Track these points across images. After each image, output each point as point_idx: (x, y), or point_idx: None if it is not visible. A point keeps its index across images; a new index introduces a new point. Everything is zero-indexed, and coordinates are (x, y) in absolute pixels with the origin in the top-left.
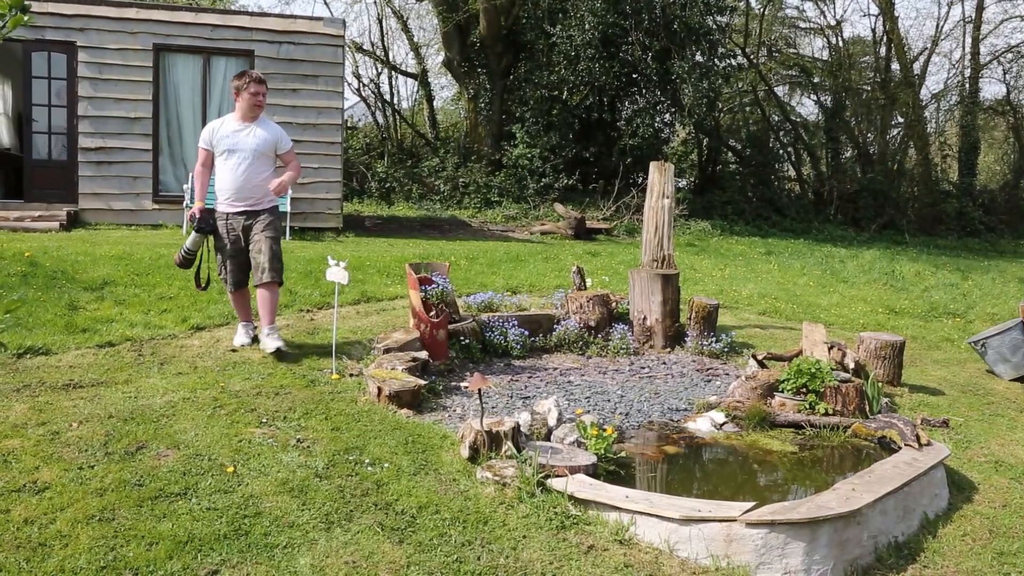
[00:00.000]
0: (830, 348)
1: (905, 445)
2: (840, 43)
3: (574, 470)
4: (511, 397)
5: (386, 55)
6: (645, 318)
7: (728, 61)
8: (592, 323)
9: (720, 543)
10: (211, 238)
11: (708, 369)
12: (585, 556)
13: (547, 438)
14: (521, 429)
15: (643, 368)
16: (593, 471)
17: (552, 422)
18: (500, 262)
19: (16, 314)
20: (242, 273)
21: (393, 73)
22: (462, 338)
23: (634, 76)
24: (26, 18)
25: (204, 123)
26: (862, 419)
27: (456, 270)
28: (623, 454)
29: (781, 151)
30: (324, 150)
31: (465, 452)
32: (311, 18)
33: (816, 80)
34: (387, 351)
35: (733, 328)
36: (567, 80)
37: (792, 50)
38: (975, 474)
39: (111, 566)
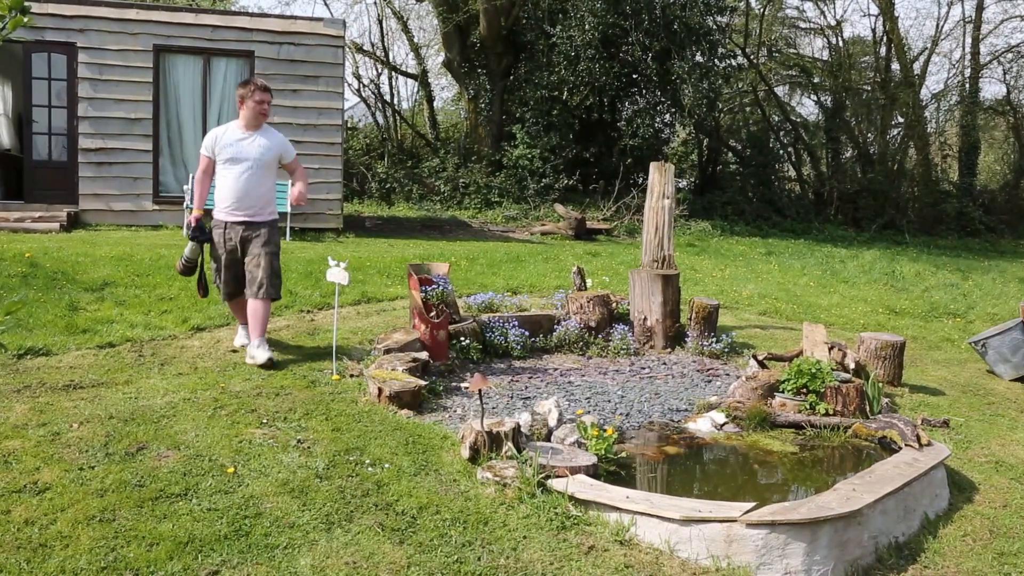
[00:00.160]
0: (830, 348)
1: (905, 445)
2: (840, 43)
3: (575, 471)
4: (511, 398)
5: (386, 56)
6: (645, 318)
7: (728, 61)
8: (592, 324)
9: (720, 544)
10: (208, 246)
11: (708, 369)
12: (585, 556)
13: (547, 439)
14: (521, 430)
15: (643, 368)
16: (594, 472)
17: (552, 423)
18: (500, 263)
19: (16, 315)
20: (236, 284)
21: (393, 74)
22: (462, 339)
23: (634, 76)
24: (26, 19)
25: (204, 124)
26: (862, 419)
27: (456, 271)
28: (623, 455)
29: (781, 151)
30: (324, 151)
31: (465, 453)
32: (311, 19)
33: (816, 80)
34: (387, 352)
35: (733, 328)
36: (567, 80)
37: (792, 50)
38: (976, 474)
39: (111, 567)
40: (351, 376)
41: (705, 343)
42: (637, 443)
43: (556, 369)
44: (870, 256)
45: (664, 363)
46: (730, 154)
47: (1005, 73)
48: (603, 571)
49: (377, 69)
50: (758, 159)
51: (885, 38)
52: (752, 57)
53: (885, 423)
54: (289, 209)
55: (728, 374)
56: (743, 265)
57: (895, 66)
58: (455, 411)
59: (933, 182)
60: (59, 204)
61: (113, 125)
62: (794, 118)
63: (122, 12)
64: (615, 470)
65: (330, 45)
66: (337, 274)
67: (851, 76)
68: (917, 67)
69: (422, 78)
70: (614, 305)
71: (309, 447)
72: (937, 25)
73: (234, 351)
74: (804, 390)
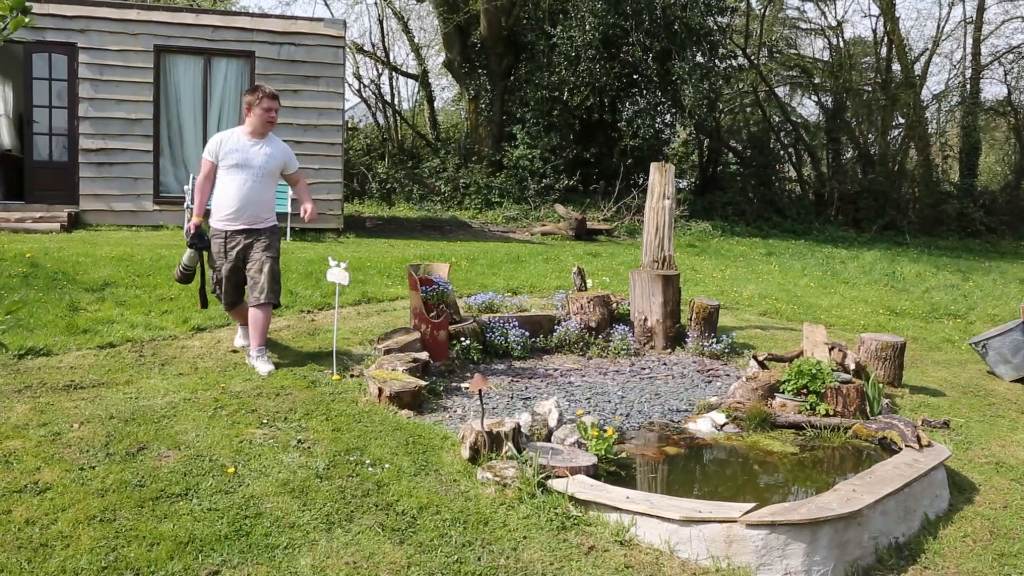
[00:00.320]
0: (831, 349)
1: (906, 446)
2: (841, 44)
3: (575, 471)
4: (512, 398)
5: (387, 56)
6: (646, 319)
7: (729, 62)
8: (593, 324)
9: (721, 544)
10: (206, 253)
11: (709, 370)
12: (586, 557)
13: (548, 439)
14: (522, 430)
15: (644, 369)
16: (594, 472)
17: (553, 423)
18: (501, 263)
19: (17, 315)
20: (237, 293)
21: (394, 74)
22: (463, 339)
23: (635, 77)
24: (27, 19)
25: (205, 124)
26: (863, 420)
27: (457, 271)
28: (624, 455)
29: (782, 152)
30: (325, 151)
31: (466, 453)
32: (312, 19)
33: (817, 81)
34: (388, 352)
35: (734, 329)
36: (568, 81)
37: (793, 51)
38: (976, 475)
39: (112, 566)
40: (351, 376)
41: (705, 344)
42: (637, 443)
43: (556, 369)
44: (871, 257)
45: (664, 363)
46: (731, 155)
47: (1006, 74)
48: (603, 571)
49: (378, 69)
50: (759, 160)
51: (886, 39)
52: (753, 58)
53: (885, 424)
54: (289, 209)
55: (728, 375)
56: (743, 266)
57: (896, 67)
58: (455, 411)
59: (934, 183)
60: (60, 204)
61: (114, 125)
62: (795, 119)
63: (123, 12)
64: (615, 470)
65: (331, 45)
66: (337, 274)
67: (852, 77)
68: (918, 68)
69: (422, 78)
70: (614, 305)
71: (309, 447)
72: (938, 26)
73: (235, 351)
74: (804, 391)
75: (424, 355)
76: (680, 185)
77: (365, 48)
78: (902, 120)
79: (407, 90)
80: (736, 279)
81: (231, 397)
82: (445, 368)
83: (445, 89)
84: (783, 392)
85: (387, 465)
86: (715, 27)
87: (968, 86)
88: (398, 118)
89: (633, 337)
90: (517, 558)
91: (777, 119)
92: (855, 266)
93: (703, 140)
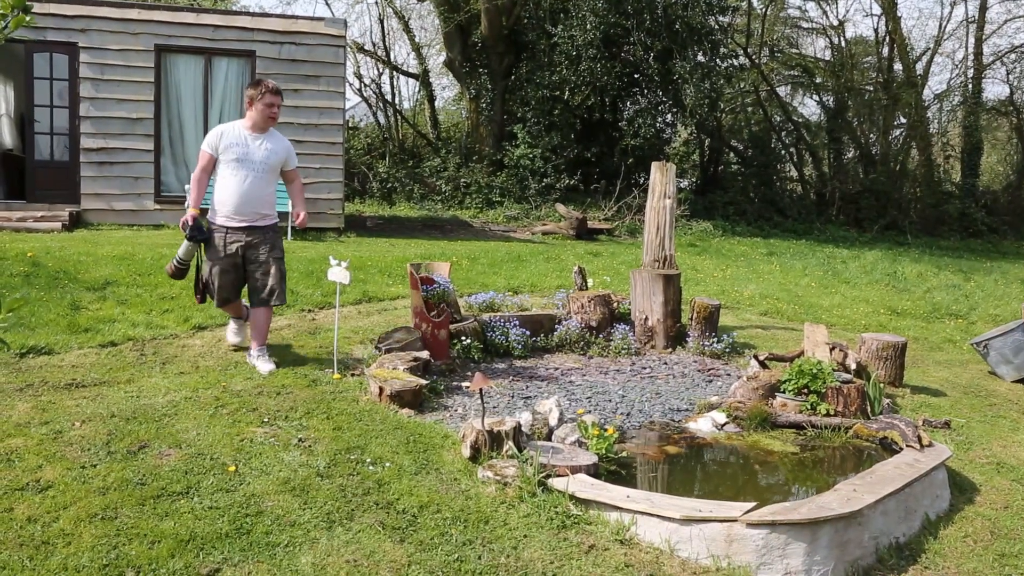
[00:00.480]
0: (832, 349)
1: (907, 446)
2: (842, 43)
3: (575, 470)
4: (512, 397)
5: (387, 55)
6: (647, 318)
7: (730, 61)
8: (593, 323)
9: (721, 543)
10: (203, 247)
11: (709, 369)
12: (586, 556)
13: (548, 438)
14: (522, 429)
15: (644, 368)
16: (594, 471)
17: (553, 422)
18: (502, 262)
19: (19, 313)
20: (233, 290)
21: (394, 73)
22: (463, 338)
23: (636, 76)
24: (28, 18)
25: (206, 123)
26: (864, 420)
27: (458, 270)
28: (624, 454)
29: (783, 151)
30: (326, 150)
31: (466, 452)
32: (312, 18)
33: (818, 80)
34: (388, 351)
35: (735, 328)
36: (569, 80)
37: (794, 50)
38: (977, 475)
39: (113, 564)
40: (352, 375)
41: (706, 343)
42: (638, 443)
43: (557, 368)
44: (872, 257)
45: (665, 363)
46: (732, 154)
47: (1008, 73)
48: (603, 570)
49: (378, 69)
50: (760, 159)
51: (888, 38)
52: (754, 57)
53: (886, 424)
54: (291, 208)
55: (729, 374)
56: (744, 265)
57: (897, 66)
58: (456, 410)
59: (935, 183)
60: (61, 204)
61: (115, 125)
62: (796, 118)
63: (123, 12)
64: (616, 469)
65: (331, 45)
66: (338, 273)
67: (853, 76)
68: (920, 67)
69: (423, 78)
70: (615, 305)
71: (310, 446)
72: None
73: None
74: (805, 390)
75: (425, 354)
76: (681, 185)
77: (366, 47)
78: (904, 120)
79: (408, 89)
80: (737, 279)
81: (232, 396)
82: (446, 367)
83: (446, 88)
84: (784, 392)
85: (388, 464)
86: (716, 26)
87: (970, 86)
88: (399, 117)
89: (634, 336)
90: (518, 557)
91: (778, 119)
92: (856, 266)
93: (704, 139)
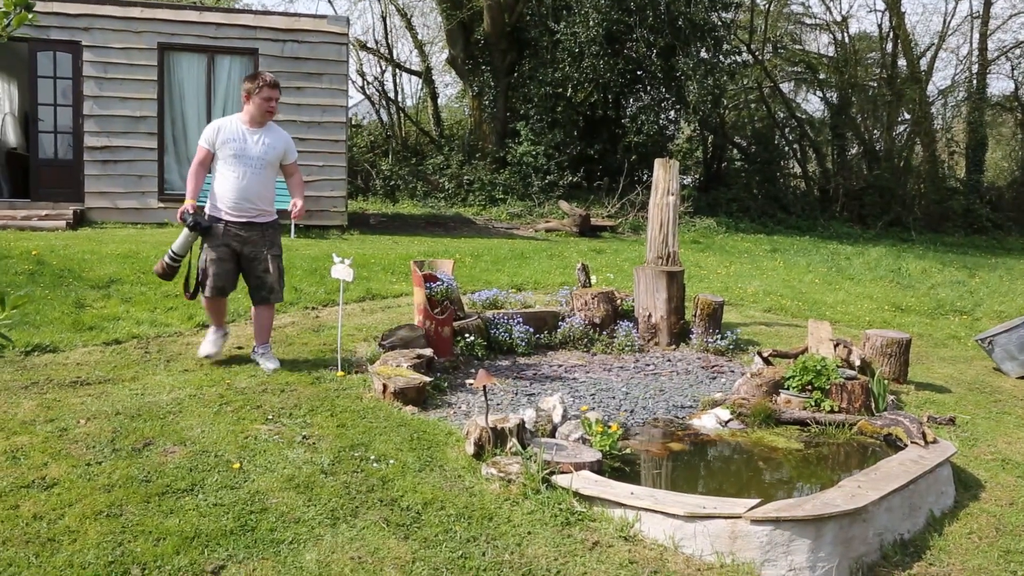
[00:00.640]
0: (836, 345)
1: (911, 443)
2: (846, 39)
3: (579, 467)
4: (516, 394)
5: (390, 53)
6: (650, 315)
7: (733, 58)
8: (597, 320)
9: (725, 540)
10: (198, 240)
11: (713, 366)
12: (590, 552)
13: (552, 435)
14: (526, 426)
15: (648, 365)
16: (598, 468)
17: (557, 419)
18: (505, 259)
19: (23, 311)
20: (227, 281)
21: (397, 71)
22: (467, 335)
23: (639, 73)
24: (30, 16)
25: (209, 121)
26: (868, 416)
27: (461, 267)
28: (628, 451)
29: (787, 148)
30: (329, 148)
31: (470, 449)
32: (315, 16)
33: (822, 76)
34: (392, 348)
35: (738, 325)
36: (571, 77)
37: (798, 46)
38: (982, 472)
39: (119, 561)
40: (356, 372)
41: (710, 340)
42: (642, 439)
43: (560, 366)
44: (876, 253)
45: (669, 360)
46: (735, 151)
47: (1013, 69)
48: (607, 567)
49: (381, 66)
50: (763, 156)
51: (891, 34)
52: (757, 53)
53: (890, 420)
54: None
55: (733, 371)
56: (748, 262)
57: (902, 62)
58: (460, 407)
59: (940, 179)
60: (65, 202)
61: (118, 123)
62: (799, 115)
63: (126, 10)
64: (619, 466)
65: (334, 42)
66: (342, 271)
67: (857, 72)
68: (924, 63)
69: (426, 75)
70: (619, 302)
71: (314, 443)
72: (944, 20)
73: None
74: (809, 387)
75: (428, 351)
76: (684, 181)
77: (368, 45)
78: (908, 116)
79: (411, 87)
80: (741, 275)
81: (236, 393)
82: (449, 364)
83: (448, 86)
84: (788, 388)
85: (392, 461)
86: (719, 23)
87: (975, 81)
88: (402, 115)
89: (637, 333)
90: (521, 553)
91: (782, 115)
92: (860, 262)
93: (707, 136)
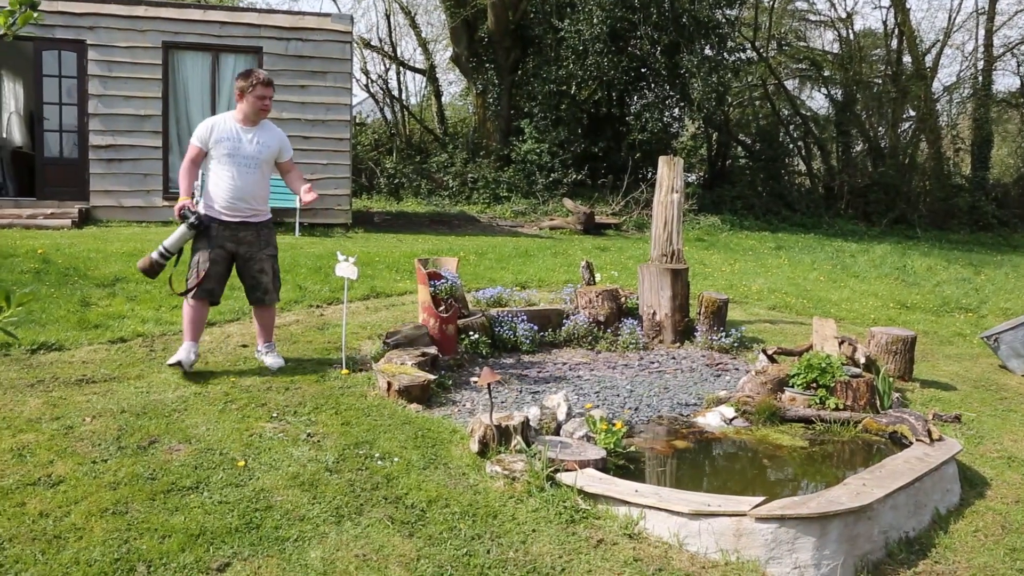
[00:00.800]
0: (841, 343)
1: (916, 440)
2: (851, 36)
3: (583, 464)
4: (520, 392)
5: (394, 51)
6: (654, 313)
7: (737, 55)
8: (601, 318)
9: (730, 537)
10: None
11: (718, 364)
12: (594, 550)
13: (556, 433)
14: (530, 424)
15: (652, 363)
16: (602, 465)
17: (561, 417)
18: (509, 257)
19: (29, 309)
20: (218, 284)
21: (401, 69)
22: (471, 333)
23: (643, 70)
24: (35, 14)
25: None
26: (873, 414)
27: (465, 265)
28: (632, 449)
29: (791, 145)
30: (333, 146)
31: (474, 446)
32: (319, 14)
33: (827, 73)
34: (396, 346)
35: (743, 323)
36: (575, 75)
37: (802, 43)
38: (987, 470)
39: (124, 558)
40: (360, 370)
41: (714, 337)
42: (646, 437)
43: (565, 363)
44: (881, 250)
45: (673, 357)
46: (739, 148)
47: (1019, 65)
48: (612, 564)
49: (385, 64)
50: (768, 153)
51: (896, 30)
52: (762, 50)
53: (896, 418)
54: (299, 204)
55: (737, 368)
56: (752, 259)
57: (907, 59)
58: (464, 405)
59: (945, 176)
60: (70, 201)
61: (123, 122)
62: (804, 112)
63: (131, 9)
64: (624, 464)
65: (338, 41)
66: (346, 269)
67: (862, 69)
68: (929, 59)
69: (430, 73)
70: (623, 299)
71: (319, 441)
72: (950, 17)
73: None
74: (814, 385)
75: (433, 349)
76: (689, 179)
77: (372, 43)
78: (913, 113)
79: (414, 85)
80: (745, 273)
81: (241, 391)
82: (454, 362)
83: (452, 84)
84: (792, 386)
85: (396, 459)
86: (724, 20)
87: (980, 78)
88: (406, 113)
89: (642, 331)
90: (526, 551)
91: (786, 112)
92: (865, 260)
93: (712, 134)
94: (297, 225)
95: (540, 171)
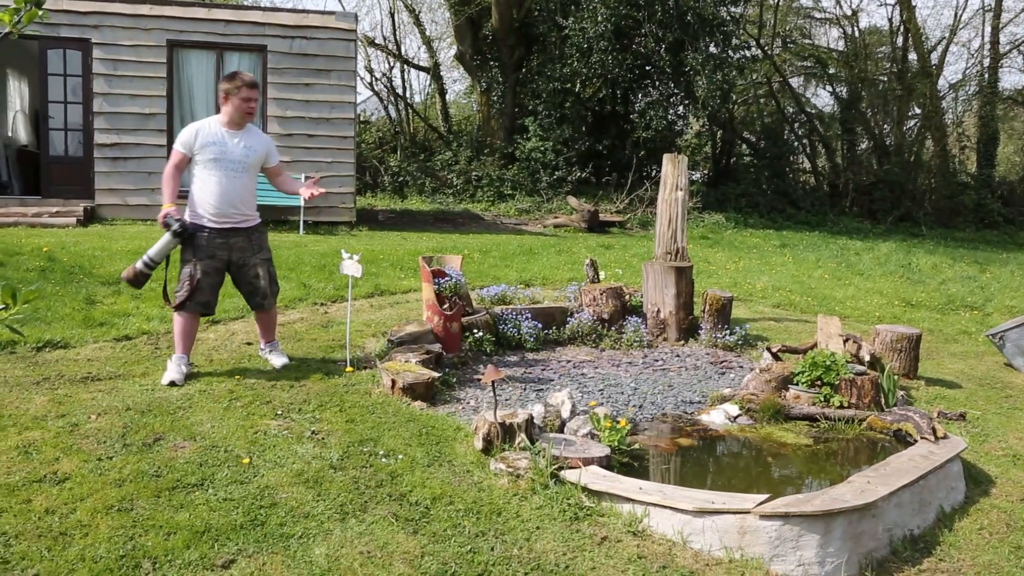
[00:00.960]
0: (845, 341)
1: (921, 438)
2: (856, 33)
3: (587, 462)
4: (524, 389)
5: (398, 49)
6: (659, 311)
7: (742, 52)
8: (605, 316)
9: (734, 535)
10: (181, 246)
11: (722, 362)
12: (598, 547)
13: (560, 430)
14: (535, 421)
15: (657, 361)
16: (607, 463)
17: (566, 414)
18: (513, 255)
19: (34, 306)
20: (212, 296)
21: (405, 67)
22: (475, 331)
23: (647, 68)
24: (41, 13)
25: None
26: (877, 412)
27: (469, 263)
28: (636, 446)
29: (796, 143)
30: (337, 144)
31: (479, 444)
32: (323, 13)
33: (832, 71)
34: (401, 344)
35: (747, 321)
36: (580, 73)
37: (807, 41)
38: (992, 468)
39: (130, 555)
40: (364, 368)
41: (719, 335)
42: (650, 435)
43: (569, 361)
44: (886, 248)
45: (677, 355)
46: (744, 146)
47: None
48: (616, 562)
49: (389, 63)
50: (772, 151)
51: (902, 27)
52: (767, 48)
53: (900, 416)
54: (303, 202)
55: (742, 366)
56: (757, 257)
57: (912, 56)
58: (468, 403)
59: (951, 174)
60: (75, 199)
61: (128, 120)
62: (809, 109)
63: (135, 7)
64: (628, 461)
65: (342, 39)
66: (350, 267)
67: (867, 66)
68: (935, 57)
69: (434, 71)
70: (627, 297)
71: (323, 438)
72: (955, 13)
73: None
74: (818, 382)
75: (437, 347)
76: (693, 177)
77: (376, 41)
78: (918, 110)
79: (419, 83)
80: (749, 271)
81: (245, 389)
82: (458, 360)
83: (457, 82)
84: (797, 384)
85: (400, 456)
86: (728, 17)
87: (986, 75)
88: (410, 111)
89: (646, 329)
90: (530, 548)
91: (791, 110)
92: (870, 258)
93: (716, 131)
94: (301, 223)
95: (544, 169)
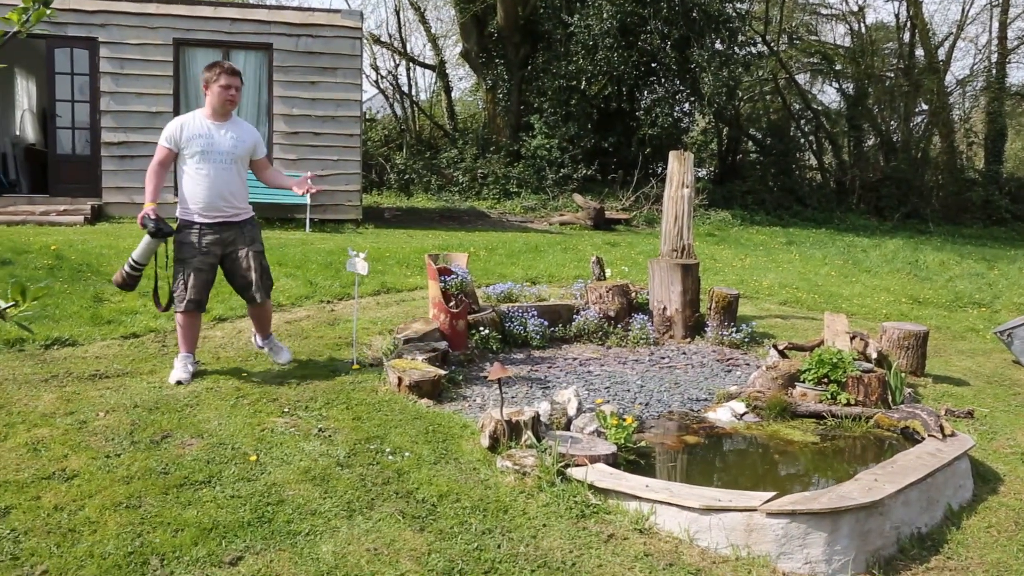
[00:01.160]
0: (852, 338)
1: (928, 436)
2: (863, 29)
3: (594, 459)
4: (531, 387)
5: (404, 47)
6: (665, 308)
7: (748, 49)
8: (612, 313)
9: (740, 533)
10: (169, 244)
11: (728, 359)
12: (605, 545)
13: (567, 428)
14: (541, 419)
15: (663, 358)
16: (613, 460)
17: (572, 412)
18: (519, 253)
19: (43, 304)
20: (204, 293)
21: (411, 65)
22: (482, 328)
23: (653, 65)
24: (48, 12)
25: None
26: (885, 409)
27: (475, 261)
28: (643, 444)
29: (802, 140)
30: (343, 142)
31: (485, 441)
32: (329, 11)
33: (838, 67)
34: (407, 341)
35: (754, 318)
36: (585, 70)
37: (813, 37)
38: (1001, 465)
39: (138, 551)
40: (371, 365)
41: (725, 333)
42: (657, 432)
43: (575, 359)
44: (893, 245)
45: (684, 353)
46: (750, 143)
47: None
48: (622, 559)
49: (395, 60)
50: (779, 148)
51: (909, 23)
52: (773, 44)
53: (908, 413)
54: (309, 200)
55: (748, 364)
56: (763, 255)
57: (919, 52)
58: (475, 400)
59: (958, 170)
60: (83, 197)
61: (135, 119)
62: (815, 106)
63: (142, 6)
64: (634, 459)
65: (348, 37)
66: (357, 265)
67: (874, 63)
68: (942, 53)
69: (440, 69)
70: (633, 295)
71: (330, 436)
72: (963, 9)
73: (179, 383)
74: (825, 380)
75: (443, 344)
76: (699, 174)
77: (382, 39)
78: (925, 106)
79: (424, 81)
80: (756, 268)
81: (253, 386)
82: (464, 357)
83: (462, 79)
84: (804, 381)
85: (407, 453)
86: (734, 14)
87: (994, 71)
88: (416, 109)
89: (652, 326)
90: (537, 546)
91: (797, 106)
92: (877, 255)
93: (722, 128)
94: (308, 221)
95: (550, 166)
